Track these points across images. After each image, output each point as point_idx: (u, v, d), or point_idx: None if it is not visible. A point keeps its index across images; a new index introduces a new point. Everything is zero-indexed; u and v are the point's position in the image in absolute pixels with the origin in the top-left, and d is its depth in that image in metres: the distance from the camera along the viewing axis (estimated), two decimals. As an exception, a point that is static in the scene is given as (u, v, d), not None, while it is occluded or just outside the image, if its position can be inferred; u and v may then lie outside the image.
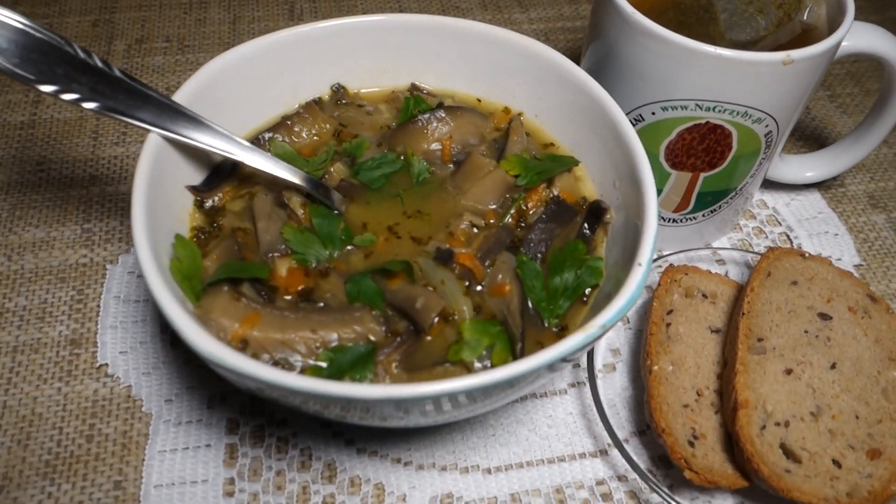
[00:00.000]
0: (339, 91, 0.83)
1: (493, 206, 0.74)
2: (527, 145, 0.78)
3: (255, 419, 0.77)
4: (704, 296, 0.82)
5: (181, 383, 0.79)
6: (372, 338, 0.63)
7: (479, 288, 0.68)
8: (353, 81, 0.84)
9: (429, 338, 0.64)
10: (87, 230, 0.92)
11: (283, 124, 0.79)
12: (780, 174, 0.96)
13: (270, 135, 0.78)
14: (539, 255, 0.70)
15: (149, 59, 1.15)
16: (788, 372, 0.72)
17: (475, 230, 0.71)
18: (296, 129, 0.79)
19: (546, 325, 0.66)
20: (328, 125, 0.80)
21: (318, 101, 0.82)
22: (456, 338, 0.64)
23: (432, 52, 0.82)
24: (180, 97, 0.70)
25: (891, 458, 0.69)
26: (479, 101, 0.84)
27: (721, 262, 0.92)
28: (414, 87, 0.84)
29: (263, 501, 0.72)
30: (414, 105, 0.79)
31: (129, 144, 1.03)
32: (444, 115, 0.77)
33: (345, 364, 0.61)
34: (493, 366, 0.63)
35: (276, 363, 0.61)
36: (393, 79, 0.84)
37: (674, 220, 0.89)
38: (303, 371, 0.61)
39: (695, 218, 0.89)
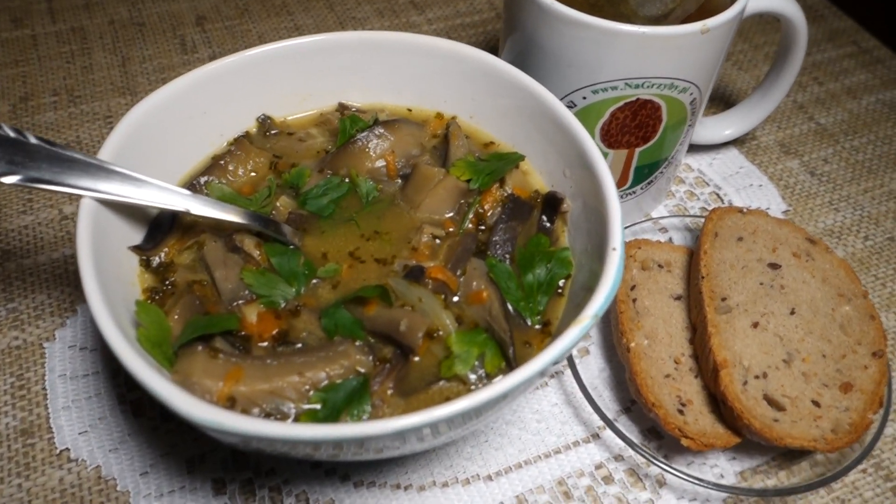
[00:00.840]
0: (265, 122, 0.80)
1: (450, 215, 0.73)
2: (469, 148, 0.78)
3: (242, 473, 0.73)
4: (660, 266, 0.84)
5: (154, 452, 0.74)
6: (361, 369, 0.61)
7: (455, 299, 0.67)
8: (278, 110, 0.81)
9: (417, 358, 0.63)
10: (12, 310, 0.85)
11: (216, 165, 0.75)
12: (701, 137, 1.00)
13: (206, 178, 0.74)
14: (507, 256, 0.70)
15: (39, 117, 1.08)
16: (755, 325, 0.75)
17: (437, 241, 0.71)
18: (230, 168, 0.75)
19: (529, 323, 0.66)
20: (262, 159, 0.77)
21: (246, 136, 0.79)
22: (445, 353, 0.63)
23: (354, 69, 0.81)
24: (105, 154, 0.66)
25: (861, 388, 0.73)
26: (409, 111, 0.83)
27: (664, 230, 0.95)
28: (342, 106, 0.82)
29: (269, 559, 0.69)
30: (350, 125, 0.77)
31: (38, 211, 0.95)
32: (382, 130, 0.76)
33: (339, 402, 0.59)
34: (487, 374, 0.62)
35: (267, 415, 0.58)
36: (318, 101, 0.82)
37: (615, 198, 0.91)
38: (297, 417, 0.59)
39: (634, 192, 0.91)
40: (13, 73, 1.14)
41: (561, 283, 0.68)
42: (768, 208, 0.99)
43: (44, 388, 0.78)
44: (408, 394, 0.61)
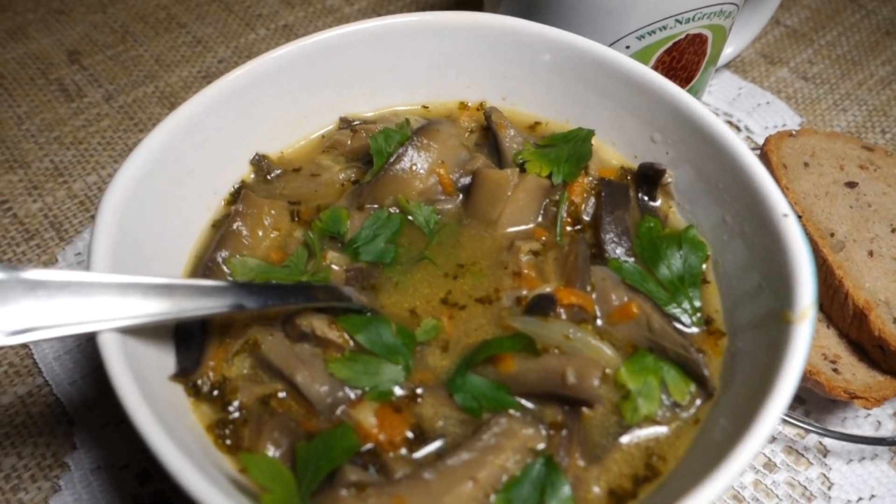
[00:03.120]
0: (261, 163, 0.62)
1: (538, 221, 0.60)
2: (520, 135, 0.64)
3: None
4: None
5: None
6: (539, 445, 0.48)
7: (599, 323, 0.54)
8: (271, 143, 0.63)
9: (585, 409, 0.50)
10: (-24, 492, 0.63)
11: (227, 235, 0.57)
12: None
13: (221, 254, 0.56)
14: (628, 252, 0.57)
15: None
16: (870, 254, 0.68)
17: (537, 257, 0.57)
18: (244, 233, 0.58)
19: (689, 326, 0.54)
20: (277, 210, 0.59)
21: (243, 186, 0.61)
22: (621, 394, 0.50)
23: (353, 72, 0.64)
24: (100, 266, 0.47)
25: None
26: (426, 108, 0.68)
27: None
28: (344, 122, 0.66)
29: None
30: (385, 142, 0.61)
31: (-45, 347, 0.72)
32: (423, 139, 0.60)
33: (529, 498, 0.45)
34: (676, 405, 0.51)
35: (454, 547, 0.44)
36: (316, 121, 0.65)
37: (653, 152, 0.81)
38: (489, 536, 0.44)
39: (670, 141, 0.81)
40: None
41: (703, 267, 0.57)
42: (784, 125, 0.92)
43: (64, 585, 0.58)
44: (599, 458, 0.48)
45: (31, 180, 0.85)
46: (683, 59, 0.70)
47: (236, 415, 0.49)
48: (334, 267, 0.56)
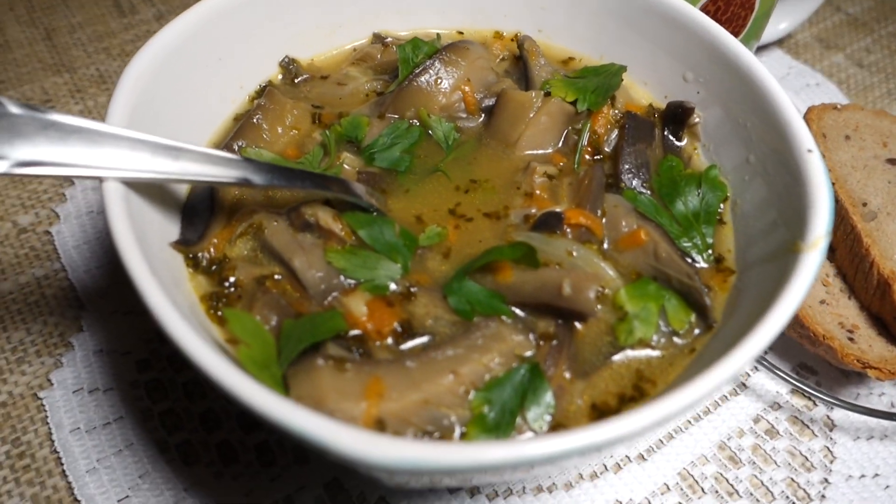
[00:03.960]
0: (290, 66, 0.63)
1: (558, 147, 0.59)
2: (551, 67, 0.63)
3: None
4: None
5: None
6: (526, 353, 0.47)
7: (605, 246, 0.53)
8: (303, 49, 0.64)
9: (580, 327, 0.49)
10: (-17, 358, 0.64)
11: (247, 125, 0.57)
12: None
13: (238, 143, 0.56)
14: (645, 186, 0.56)
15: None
16: (906, 234, 0.66)
17: (552, 180, 0.56)
18: (264, 126, 0.58)
19: (701, 261, 0.53)
20: (300, 111, 0.60)
21: (271, 85, 0.62)
22: (615, 315, 0.49)
23: (392, -15, 0.64)
24: (115, 121, 0.48)
25: None
26: (461, 34, 0.67)
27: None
28: (377, 38, 0.66)
29: None
30: (413, 52, 0.61)
31: (-17, 227, 0.74)
32: (451, 55, 0.60)
33: (510, 399, 0.45)
34: (675, 333, 0.49)
35: (425, 434, 0.43)
36: (349, 33, 0.65)
37: (690, 113, 0.79)
38: (463, 430, 0.44)
39: (709, 104, 0.79)
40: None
41: (720, 207, 0.56)
42: (836, 108, 0.89)
43: (54, 451, 0.59)
44: (588, 374, 0.47)
45: (75, 84, 0.87)
46: (729, 11, 0.68)
47: (231, 290, 0.49)
48: (347, 167, 0.56)
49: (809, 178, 0.47)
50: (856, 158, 0.71)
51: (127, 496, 0.57)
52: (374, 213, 0.54)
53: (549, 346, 0.47)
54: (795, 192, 0.48)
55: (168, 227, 0.51)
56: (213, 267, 0.51)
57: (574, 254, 0.50)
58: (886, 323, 0.62)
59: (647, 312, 0.49)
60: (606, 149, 0.59)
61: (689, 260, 0.53)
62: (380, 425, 0.42)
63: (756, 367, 0.65)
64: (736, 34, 0.71)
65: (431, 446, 0.35)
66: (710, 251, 0.53)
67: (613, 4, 0.61)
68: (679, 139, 0.59)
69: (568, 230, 0.52)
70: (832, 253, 0.67)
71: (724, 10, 0.68)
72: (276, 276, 0.50)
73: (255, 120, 0.58)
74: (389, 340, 0.48)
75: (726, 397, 0.65)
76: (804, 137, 0.49)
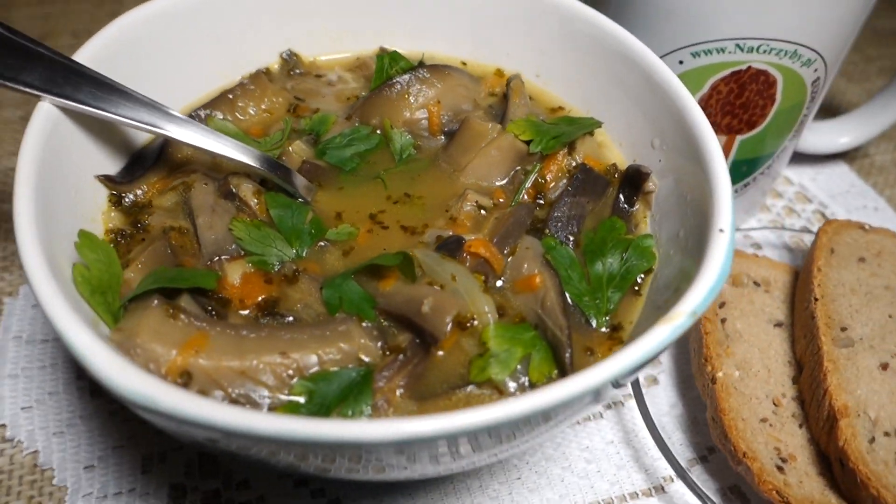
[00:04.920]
0: (290, 59, 0.67)
1: (502, 182, 0.58)
2: (532, 110, 0.63)
3: (207, 482, 0.58)
4: (756, 284, 0.67)
5: (106, 442, 0.60)
6: (365, 358, 0.46)
7: (499, 284, 0.51)
8: (307, 47, 0.67)
9: (441, 353, 0.47)
10: (-26, 257, 0.72)
11: (223, 98, 0.61)
12: (809, 144, 0.83)
13: (207, 111, 0.60)
14: (571, 238, 0.54)
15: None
16: (884, 367, 0.58)
17: (483, 212, 0.55)
18: (240, 104, 0.62)
19: (594, 324, 0.50)
20: (281, 99, 0.63)
21: (266, 72, 0.65)
22: (479, 350, 0.47)
23: (402, 6, 0.67)
24: (84, 57, 0.53)
25: None
26: (464, 64, 0.68)
27: (756, 245, 0.78)
28: (382, 51, 0.68)
29: None
30: (390, 64, 0.63)
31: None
32: (427, 74, 0.61)
33: (330, 396, 0.44)
34: (532, 384, 0.46)
35: (233, 401, 0.43)
36: (356, 42, 0.68)
37: (702, 199, 0.74)
38: (272, 410, 0.43)
39: (726, 195, 0.74)
40: (35, 13, 1.04)
41: (639, 278, 0.52)
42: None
43: (-8, 383, 0.65)
44: (423, 398, 0.46)
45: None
46: (744, 97, 0.65)
47: (138, 232, 0.52)
48: (293, 153, 0.58)
49: (709, 256, 0.43)
50: (861, 282, 0.64)
51: (30, 406, 0.62)
52: (299, 202, 0.55)
53: (393, 360, 0.46)
54: (694, 269, 0.44)
55: (110, 166, 0.55)
56: (134, 208, 0.54)
57: (457, 279, 0.49)
58: (831, 463, 0.55)
59: (508, 355, 0.46)
60: (551, 195, 0.57)
61: (585, 320, 0.50)
62: (185, 377, 0.43)
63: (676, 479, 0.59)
64: (753, 124, 0.67)
65: (162, 387, 0.35)
66: (608, 317, 0.50)
67: (601, 55, 0.60)
68: (631, 204, 0.56)
69: (467, 257, 0.51)
70: (798, 374, 0.61)
71: (739, 94, 0.65)
72: (183, 231, 0.53)
73: (231, 95, 0.61)
74: (247, 312, 0.48)
75: (638, 495, 0.60)
76: (722, 216, 0.45)
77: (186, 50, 0.61)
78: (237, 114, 0.62)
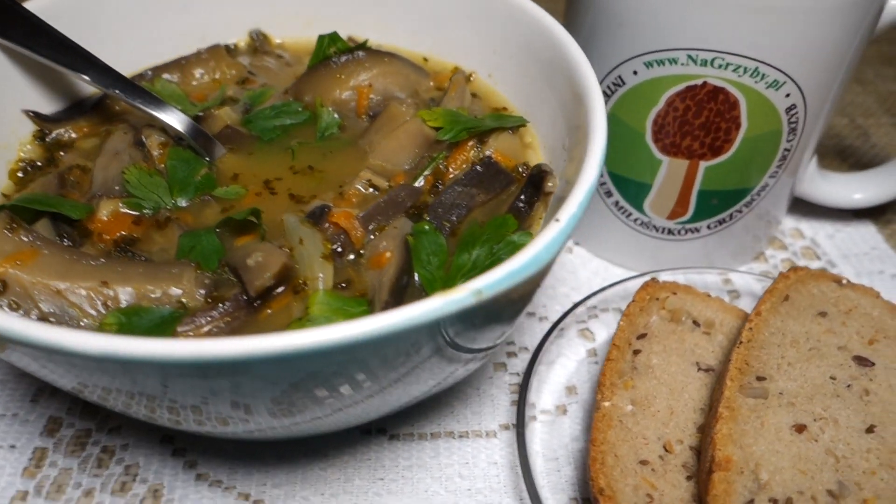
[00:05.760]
0: (258, 38, 0.69)
1: (407, 167, 0.56)
2: (469, 106, 0.61)
3: (84, 422, 0.60)
4: (696, 323, 0.61)
5: (9, 368, 0.63)
6: (186, 301, 0.46)
7: (352, 257, 0.50)
8: (277, 28, 0.70)
9: (269, 311, 0.46)
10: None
11: (176, 63, 0.65)
12: (819, 193, 0.74)
13: (154, 73, 0.64)
14: (448, 226, 0.51)
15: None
16: (800, 429, 0.50)
17: (374, 192, 0.54)
18: (192, 71, 0.65)
19: (437, 311, 0.47)
20: (234, 71, 0.66)
21: (230, 48, 0.68)
22: (301, 315, 0.46)
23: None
24: (34, 5, 0.57)
25: (952, 572, 0.45)
26: (425, 60, 0.68)
27: (735, 294, 0.70)
28: (350, 40, 0.69)
29: (55, 529, 0.53)
30: (329, 44, 0.63)
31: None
32: (363, 56, 0.61)
33: (137, 330, 0.44)
34: (342, 356, 0.44)
35: (43, 318, 0.44)
36: (323, 28, 0.69)
37: (669, 231, 0.69)
38: (78, 335, 0.44)
39: (697, 230, 0.68)
40: None
41: (500, 272, 0.48)
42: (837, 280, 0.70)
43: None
44: (229, 350, 0.44)
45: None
46: (703, 116, 0.59)
47: (48, 163, 0.56)
48: (219, 116, 0.60)
49: (531, 247, 0.40)
50: (809, 336, 0.56)
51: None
52: (206, 160, 0.56)
53: (210, 308, 0.45)
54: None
55: (45, 106, 0.59)
56: (54, 146, 0.57)
57: (304, 243, 0.48)
58: (708, 522, 0.47)
59: (326, 322, 0.44)
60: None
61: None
62: (1, 284, 0.44)
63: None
64: (717, 150, 0.61)
65: None
66: (453, 306, 0.47)
67: (542, 60, 0.57)
68: (531, 204, 0.53)
69: (329, 227, 0.50)
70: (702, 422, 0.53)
71: (697, 113, 0.59)
72: (85, 170, 0.56)
73: (184, 61, 0.64)
74: (104, 246, 0.50)
75: None
76: (565, 210, 0.41)
77: (149, 16, 0.64)
78: (186, 78, 0.64)
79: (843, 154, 0.90)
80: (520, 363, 0.65)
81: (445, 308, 0.36)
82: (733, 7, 0.53)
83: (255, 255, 0.46)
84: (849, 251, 0.76)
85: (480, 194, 0.53)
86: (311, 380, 0.40)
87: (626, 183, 0.67)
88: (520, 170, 0.56)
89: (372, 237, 0.50)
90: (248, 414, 0.43)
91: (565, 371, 0.64)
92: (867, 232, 0.78)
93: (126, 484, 0.56)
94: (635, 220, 0.69)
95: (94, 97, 0.61)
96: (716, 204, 0.66)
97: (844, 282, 0.61)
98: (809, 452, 0.49)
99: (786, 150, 0.62)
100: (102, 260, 0.47)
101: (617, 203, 0.69)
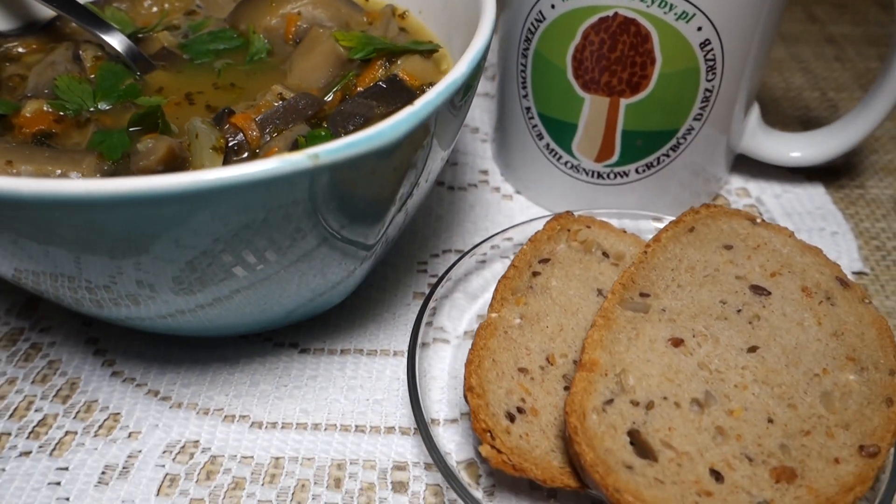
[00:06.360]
0: (216, -25, 0.73)
1: (320, 85, 0.59)
2: (394, 37, 0.63)
3: (19, 321, 0.63)
4: (605, 255, 0.61)
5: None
6: (76, 176, 0.49)
7: (246, 155, 0.52)
8: (229, -32, 0.73)
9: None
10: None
11: (128, -5, 0.69)
12: (759, 149, 0.74)
13: (106, 1, 0.68)
14: (342, 132, 0.53)
15: None
16: (676, 343, 0.50)
17: (282, 104, 0.56)
18: (143, 2, 0.69)
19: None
20: (181, 4, 0.69)
21: (185, -17, 0.72)
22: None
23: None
24: (-7, -72, 0.62)
25: (810, 485, 0.44)
26: (367, 0, 0.70)
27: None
28: (300, -17, 0.72)
29: (-27, 409, 0.57)
30: (264, -26, 0.66)
31: None
32: (294, -13, 0.64)
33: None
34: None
35: None
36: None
37: (599, 175, 0.69)
38: None
39: (626, 174, 0.69)
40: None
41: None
42: (836, 259, 0.70)
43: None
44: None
45: None
46: (618, 50, 0.60)
47: (-5, 73, 0.60)
48: (157, 38, 0.63)
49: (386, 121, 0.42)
50: (708, 265, 0.56)
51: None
52: (137, 75, 0.60)
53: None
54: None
55: (4, 25, 0.64)
56: (2, 56, 0.62)
57: (199, 137, 0.51)
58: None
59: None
60: (355, 100, 0.57)
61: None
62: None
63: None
64: (635, 87, 0.62)
65: None
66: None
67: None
68: (427, 117, 0.54)
69: (228, 127, 0.53)
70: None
71: (612, 47, 0.60)
72: (23, 77, 0.60)
73: (135, -9, 0.68)
74: (22, 139, 0.53)
75: (395, 429, 0.56)
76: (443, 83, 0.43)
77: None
78: (137, 8, 0.68)
79: (807, 124, 0.89)
80: (438, 293, 0.66)
81: (283, 166, 0.38)
82: (635, -68, 0.54)
83: (146, 141, 0.49)
84: (793, 210, 0.75)
85: (380, 107, 0.55)
86: (195, 247, 0.42)
87: (553, 123, 0.68)
88: (424, 88, 0.57)
89: (268, 139, 0.53)
90: (154, 292, 0.46)
91: (484, 301, 0.65)
92: (816, 193, 0.77)
93: (47, 376, 0.59)
94: (566, 163, 0.70)
95: (47, 19, 0.66)
96: (640, 146, 0.66)
97: (759, 220, 0.61)
98: (681, 364, 0.49)
99: (707, 90, 0.63)
100: (14, 144, 0.50)
101: (548, 146, 0.70)
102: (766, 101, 0.92)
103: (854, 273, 0.69)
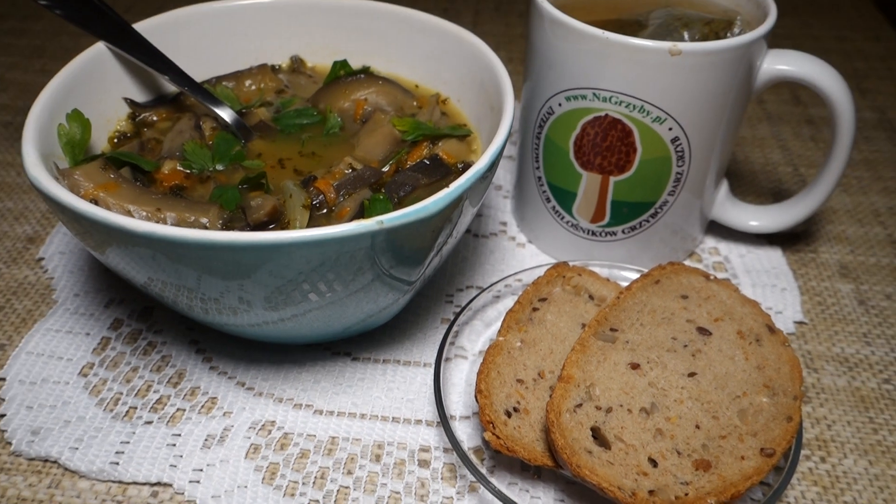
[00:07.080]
0: (296, 61, 0.93)
1: (380, 158, 0.78)
2: (436, 120, 0.82)
3: (138, 324, 0.83)
4: (591, 297, 0.79)
5: (92, 284, 0.87)
6: (209, 227, 0.68)
7: (325, 211, 0.71)
8: (311, 56, 0.93)
9: (263, 241, 0.68)
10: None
11: (234, 74, 0.89)
12: (726, 217, 0.91)
13: (217, 80, 0.88)
14: (395, 197, 0.72)
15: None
16: (634, 366, 0.68)
17: (352, 172, 0.75)
18: (244, 81, 0.89)
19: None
20: (274, 84, 0.89)
21: (275, 67, 0.92)
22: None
23: (382, 38, 0.90)
24: (139, 26, 0.83)
25: (721, 474, 0.61)
26: (416, 86, 0.90)
27: (643, 288, 0.88)
28: (363, 70, 0.92)
29: (108, 387, 0.76)
30: (339, 67, 0.86)
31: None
32: (363, 78, 0.84)
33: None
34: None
35: (116, 228, 0.67)
36: (345, 58, 0.93)
37: (593, 233, 0.87)
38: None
39: (615, 233, 0.87)
40: None
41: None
42: (780, 312, 0.86)
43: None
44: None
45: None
46: (608, 141, 0.78)
47: (135, 135, 0.80)
48: (256, 113, 0.83)
49: (429, 201, 0.60)
50: (666, 310, 0.73)
51: (64, 252, 0.91)
52: (242, 142, 0.80)
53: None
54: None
55: (139, 96, 0.84)
56: (141, 124, 0.82)
57: (292, 197, 0.70)
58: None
59: (296, 248, 0.66)
60: (405, 171, 0.76)
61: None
62: (93, 200, 0.67)
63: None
64: (621, 168, 0.80)
65: (67, 194, 0.60)
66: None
67: (486, 86, 0.78)
68: (458, 188, 0.73)
69: (313, 189, 0.72)
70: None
71: (603, 138, 0.79)
72: (159, 141, 0.80)
73: (239, 74, 0.89)
74: (162, 189, 0.73)
75: (422, 422, 0.73)
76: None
77: (218, 40, 0.89)
78: (239, 86, 0.88)
79: (777, 196, 1.06)
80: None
81: (358, 228, 0.57)
82: (621, 59, 0.73)
83: (257, 199, 0.68)
84: (752, 268, 0.92)
85: (424, 178, 0.74)
86: (285, 277, 0.60)
87: (558, 191, 0.86)
88: (458, 166, 0.76)
89: (342, 199, 0.72)
90: (249, 307, 0.64)
91: (495, 327, 0.83)
92: (774, 255, 0.94)
93: (161, 367, 0.78)
94: (567, 222, 0.88)
95: (173, 94, 0.86)
96: (626, 212, 0.84)
97: (711, 277, 0.78)
98: (636, 382, 0.66)
99: (678, 173, 0.81)
100: (160, 195, 0.70)
101: (554, 208, 0.88)
102: (745, 174, 1.09)
103: (796, 322, 0.86)
